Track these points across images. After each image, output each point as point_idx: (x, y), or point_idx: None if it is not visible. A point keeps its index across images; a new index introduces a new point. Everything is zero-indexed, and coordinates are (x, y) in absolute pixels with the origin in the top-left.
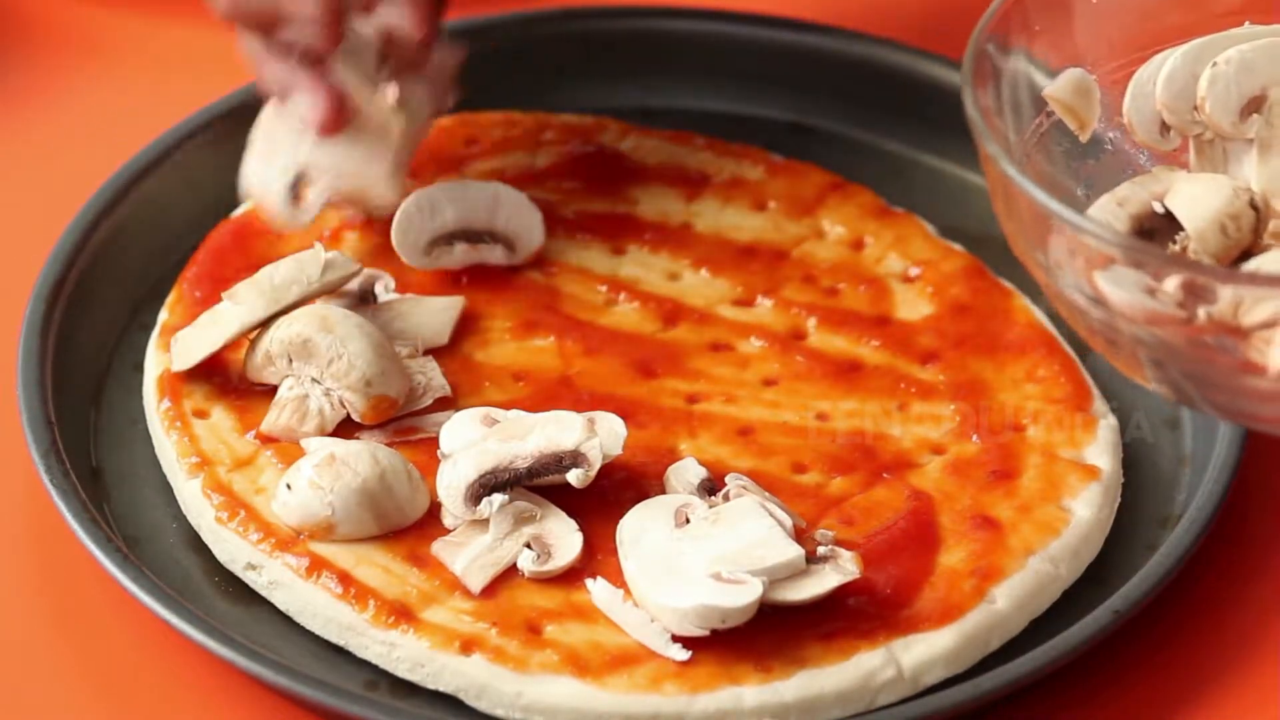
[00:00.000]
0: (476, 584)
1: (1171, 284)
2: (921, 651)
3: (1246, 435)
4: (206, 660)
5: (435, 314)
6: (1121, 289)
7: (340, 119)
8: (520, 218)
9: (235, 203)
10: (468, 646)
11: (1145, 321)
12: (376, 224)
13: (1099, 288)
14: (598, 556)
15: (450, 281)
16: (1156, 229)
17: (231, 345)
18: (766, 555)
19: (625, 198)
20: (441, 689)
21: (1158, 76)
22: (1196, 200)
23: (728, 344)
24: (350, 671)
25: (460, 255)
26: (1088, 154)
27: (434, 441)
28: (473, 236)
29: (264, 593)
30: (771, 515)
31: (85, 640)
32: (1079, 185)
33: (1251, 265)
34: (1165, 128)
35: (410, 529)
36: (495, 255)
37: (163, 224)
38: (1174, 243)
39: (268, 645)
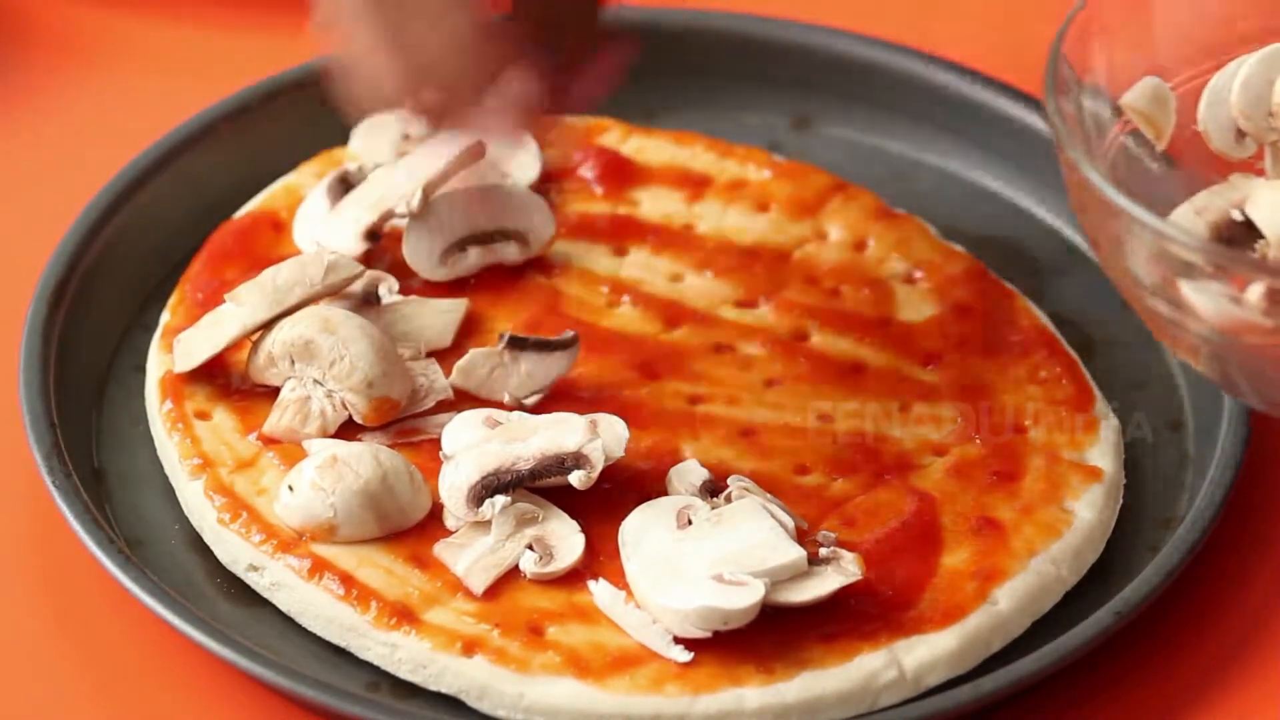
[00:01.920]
0: (478, 585)
1: (1256, 292)
2: (923, 653)
3: (1249, 436)
4: (208, 661)
5: (438, 316)
6: (1206, 297)
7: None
8: (526, 210)
9: (237, 204)
10: (470, 648)
11: (1231, 331)
12: None
13: (1184, 296)
14: (600, 558)
15: (454, 283)
16: (1235, 237)
17: (234, 347)
18: (768, 557)
19: (627, 199)
20: (443, 690)
21: (1233, 83)
22: (1277, 207)
23: (730, 345)
24: (352, 673)
25: (475, 259)
26: (1162, 165)
27: (436, 443)
28: (483, 238)
29: (266, 594)
30: (773, 517)
31: (87, 641)
32: (1155, 196)
33: None
34: (1241, 135)
35: (412, 530)
36: (510, 252)
37: (164, 225)
38: (1254, 251)
39: (269, 646)
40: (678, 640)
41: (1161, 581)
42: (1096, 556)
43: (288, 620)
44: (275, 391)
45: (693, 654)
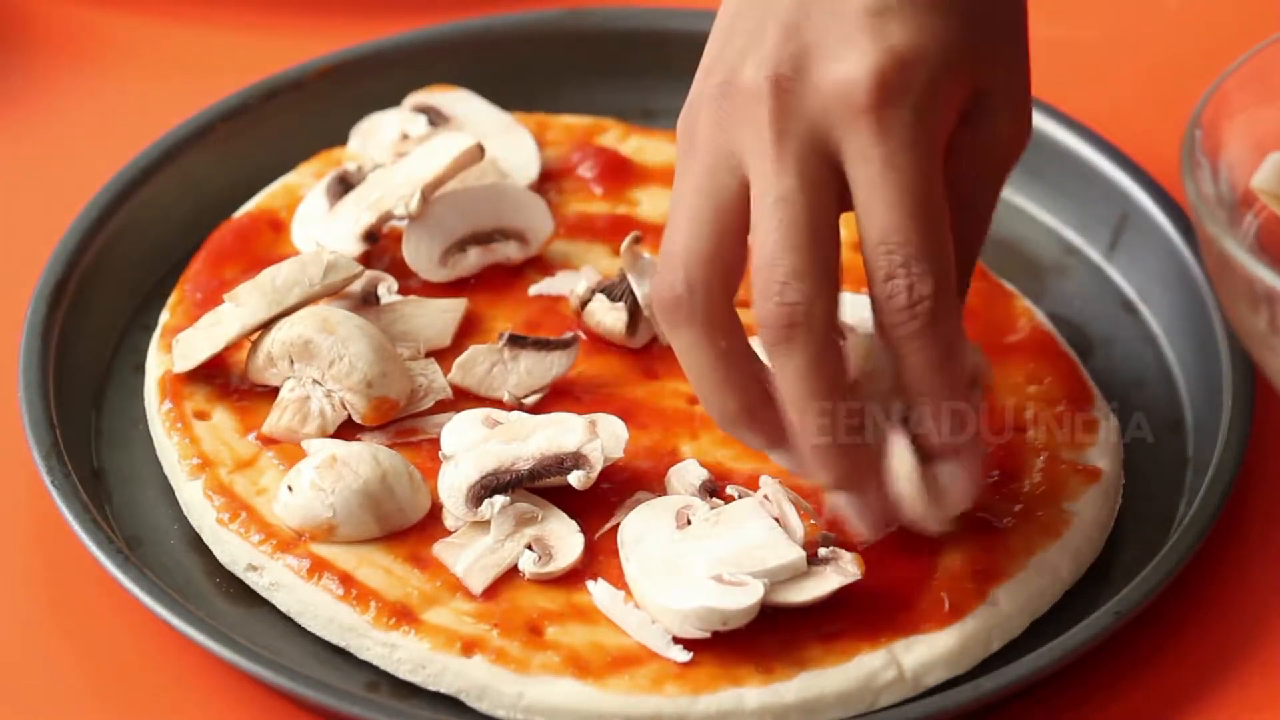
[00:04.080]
0: (478, 585)
1: None
2: (923, 652)
3: (1249, 437)
4: (208, 661)
5: (438, 316)
6: None
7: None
8: (525, 209)
9: (236, 203)
10: (469, 648)
11: None
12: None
13: None
14: (599, 558)
15: (453, 283)
16: None
17: (233, 346)
18: (767, 557)
19: (626, 199)
20: (443, 690)
21: None
22: None
23: None
24: (351, 673)
25: (475, 259)
26: None
27: (435, 443)
28: (483, 238)
29: (265, 594)
30: (782, 516)
31: (86, 641)
32: None
33: None
34: None
35: (411, 530)
36: (510, 251)
37: (163, 225)
38: None
39: (269, 646)
40: (677, 640)
41: (1161, 581)
42: (1096, 556)
43: (287, 620)
44: (274, 391)
45: (692, 654)
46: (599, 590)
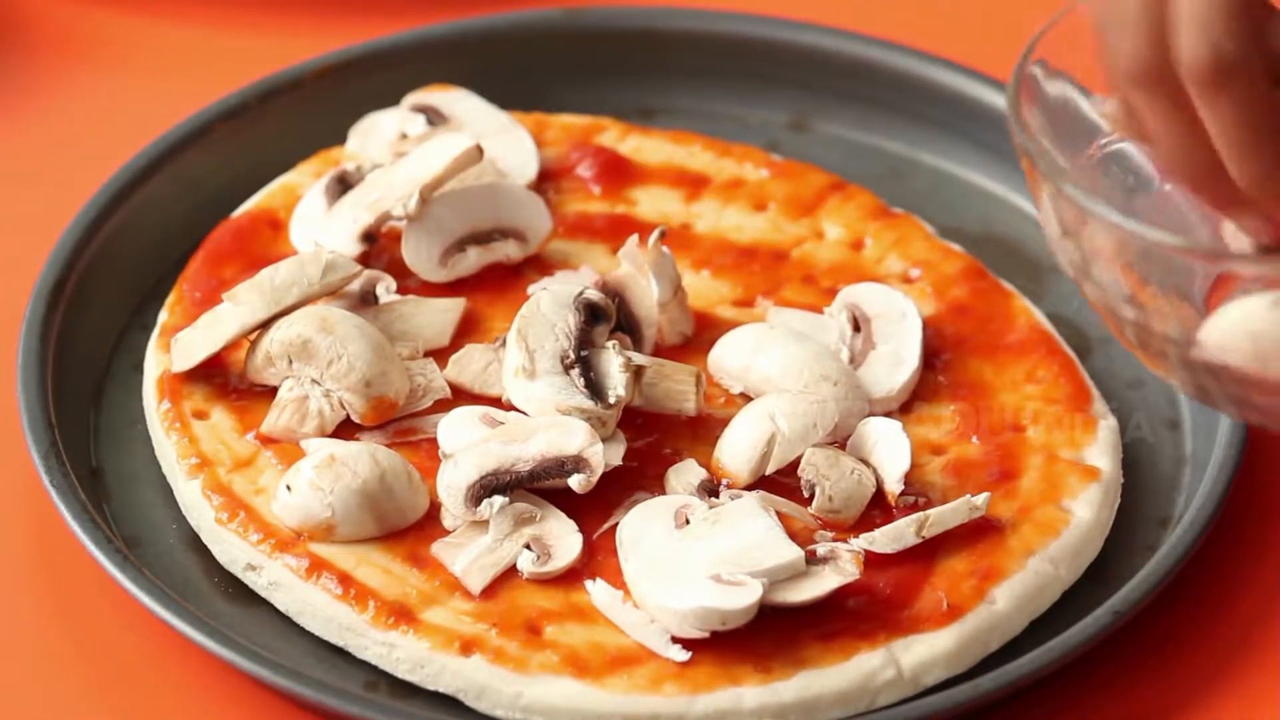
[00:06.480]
0: (476, 585)
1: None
2: (921, 652)
3: (1247, 436)
4: (206, 661)
5: (436, 315)
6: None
7: None
8: (523, 208)
9: (235, 203)
10: (468, 647)
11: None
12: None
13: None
14: (597, 557)
15: (452, 283)
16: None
17: (232, 346)
18: (766, 557)
19: (625, 198)
20: (441, 690)
21: None
22: None
23: None
24: (350, 672)
25: (475, 259)
26: (1140, 188)
27: (434, 443)
28: (482, 238)
29: (264, 593)
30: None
31: (85, 641)
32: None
33: None
34: None
35: (410, 530)
36: (509, 250)
37: (162, 224)
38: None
39: (268, 646)
40: (676, 640)
41: (1159, 581)
42: (1094, 556)
43: (286, 620)
44: (273, 391)
45: (691, 653)
46: (598, 590)
